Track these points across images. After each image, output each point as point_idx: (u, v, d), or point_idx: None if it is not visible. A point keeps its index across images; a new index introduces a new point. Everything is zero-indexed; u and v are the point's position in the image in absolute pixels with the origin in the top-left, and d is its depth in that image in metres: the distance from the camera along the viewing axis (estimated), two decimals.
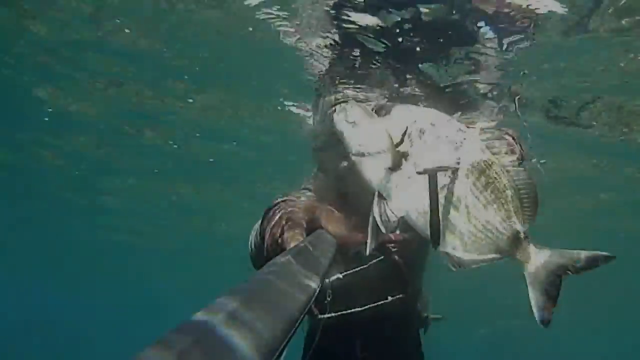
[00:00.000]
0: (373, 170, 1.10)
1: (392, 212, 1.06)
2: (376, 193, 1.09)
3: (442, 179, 1.05)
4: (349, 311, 1.33)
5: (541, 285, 1.05)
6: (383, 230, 1.04)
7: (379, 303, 1.46)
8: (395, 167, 1.07)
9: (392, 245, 1.39)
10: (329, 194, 1.85)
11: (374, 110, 1.16)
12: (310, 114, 4.27)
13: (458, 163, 1.05)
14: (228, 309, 0.56)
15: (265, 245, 1.25)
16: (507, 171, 1.09)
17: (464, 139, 1.09)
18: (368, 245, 1.06)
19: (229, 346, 0.51)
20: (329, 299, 1.28)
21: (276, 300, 0.65)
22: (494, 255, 1.08)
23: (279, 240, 1.20)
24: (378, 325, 1.96)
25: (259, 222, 1.40)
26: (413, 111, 1.15)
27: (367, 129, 1.12)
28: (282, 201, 1.38)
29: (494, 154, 1.13)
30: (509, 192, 1.09)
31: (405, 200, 1.07)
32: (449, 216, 1.05)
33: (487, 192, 1.08)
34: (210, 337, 0.50)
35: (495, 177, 1.09)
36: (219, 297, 0.60)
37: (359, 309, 1.36)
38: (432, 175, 1.01)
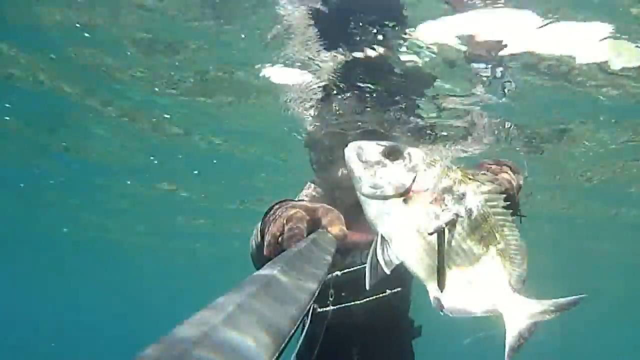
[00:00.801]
0: (378, 214, 1.17)
1: (394, 256, 1.13)
2: (379, 235, 1.15)
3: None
4: (350, 304, 1.39)
5: (519, 334, 1.18)
6: (386, 271, 1.12)
7: (379, 296, 1.55)
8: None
9: None
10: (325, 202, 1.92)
11: (386, 152, 1.21)
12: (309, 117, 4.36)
13: (459, 217, 1.13)
14: (226, 310, 0.55)
15: (265, 244, 1.26)
16: (501, 227, 1.19)
17: (466, 191, 1.17)
18: (367, 282, 1.12)
19: (231, 345, 0.49)
20: (331, 298, 1.31)
21: (274, 302, 0.64)
22: (477, 308, 1.18)
23: (279, 239, 1.21)
24: (373, 333, 2.11)
25: (260, 221, 1.42)
26: (423, 157, 1.21)
27: (381, 171, 1.17)
28: (283, 201, 1.40)
29: (494, 181, 1.22)
30: (500, 246, 1.18)
31: (406, 248, 1.15)
32: (444, 266, 1.14)
33: (479, 245, 1.17)
34: (212, 337, 0.48)
35: (489, 231, 1.18)
36: (212, 300, 0.59)
37: (358, 302, 1.42)
38: (439, 232, 1.10)
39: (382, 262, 1.11)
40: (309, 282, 0.80)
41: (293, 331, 0.62)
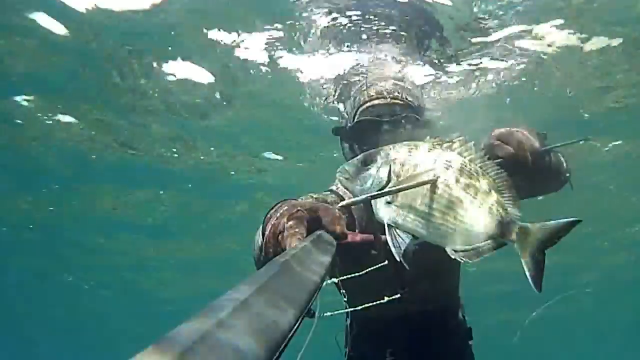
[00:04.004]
0: (380, 208, 1.38)
1: (403, 236, 1.33)
2: (386, 225, 1.35)
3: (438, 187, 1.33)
4: (345, 310, 1.28)
5: (532, 259, 1.31)
6: (397, 257, 1.29)
7: (376, 303, 1.38)
8: (392, 200, 1.37)
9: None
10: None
11: (361, 162, 1.44)
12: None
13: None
14: (218, 315, 0.54)
15: (265, 241, 1.23)
16: (477, 170, 1.36)
17: (434, 157, 1.37)
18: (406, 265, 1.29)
19: (231, 345, 0.50)
20: (345, 300, 1.28)
21: (271, 302, 0.64)
22: (489, 243, 1.33)
23: (279, 237, 1.17)
24: (412, 334, 2.14)
25: (262, 222, 1.46)
26: (391, 151, 1.43)
27: (363, 178, 1.41)
28: (285, 200, 1.41)
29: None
30: (485, 187, 1.35)
31: (408, 224, 1.36)
32: (442, 219, 1.33)
33: (469, 191, 1.34)
34: (210, 338, 0.49)
35: (471, 177, 1.35)
36: (214, 300, 0.58)
37: (353, 309, 1.28)
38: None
39: (393, 249, 1.30)
40: (308, 282, 0.79)
41: (292, 333, 0.62)
